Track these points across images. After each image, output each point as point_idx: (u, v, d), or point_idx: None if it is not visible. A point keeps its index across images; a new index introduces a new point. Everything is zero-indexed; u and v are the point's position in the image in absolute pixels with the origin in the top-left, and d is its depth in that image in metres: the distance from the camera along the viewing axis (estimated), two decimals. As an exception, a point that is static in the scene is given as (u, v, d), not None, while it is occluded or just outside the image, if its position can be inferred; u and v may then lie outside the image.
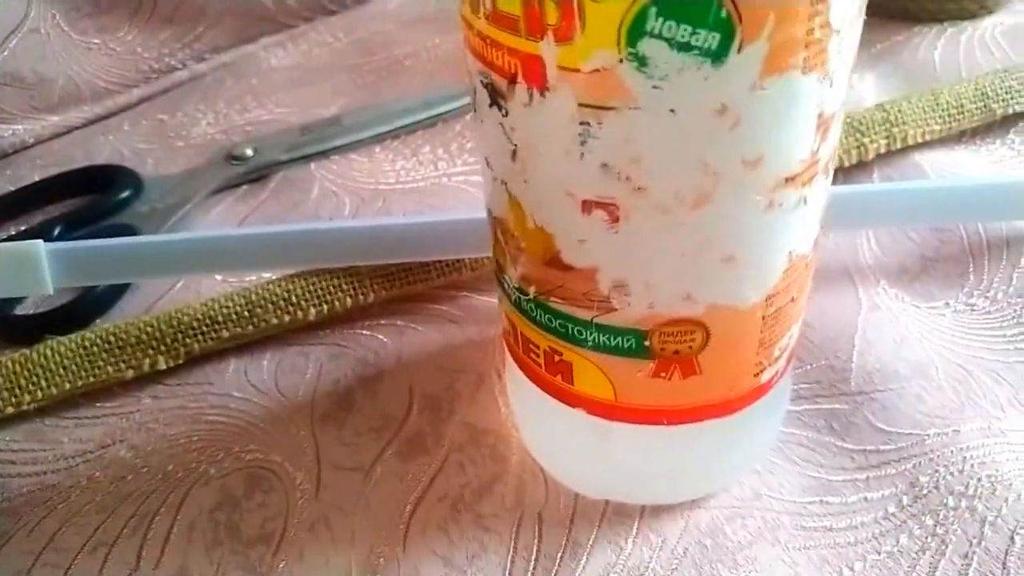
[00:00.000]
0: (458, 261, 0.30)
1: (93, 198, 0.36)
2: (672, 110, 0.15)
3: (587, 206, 0.17)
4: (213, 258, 0.29)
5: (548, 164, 0.17)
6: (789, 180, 0.17)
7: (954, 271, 0.30)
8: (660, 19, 0.14)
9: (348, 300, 0.30)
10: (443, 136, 0.38)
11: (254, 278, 0.32)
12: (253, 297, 0.30)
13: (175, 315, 0.29)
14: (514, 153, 0.18)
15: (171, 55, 0.46)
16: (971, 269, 0.30)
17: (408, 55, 0.44)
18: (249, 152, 0.37)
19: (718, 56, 0.15)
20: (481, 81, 0.18)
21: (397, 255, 0.30)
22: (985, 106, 0.34)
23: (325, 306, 0.30)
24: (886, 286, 0.29)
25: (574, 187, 0.17)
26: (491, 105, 0.18)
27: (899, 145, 0.33)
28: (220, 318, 0.29)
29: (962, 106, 0.34)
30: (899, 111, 0.33)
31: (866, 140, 0.33)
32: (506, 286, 0.21)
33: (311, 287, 0.30)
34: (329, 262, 0.30)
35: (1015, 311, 0.28)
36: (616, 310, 0.19)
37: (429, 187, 0.35)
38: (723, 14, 0.14)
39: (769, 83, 0.15)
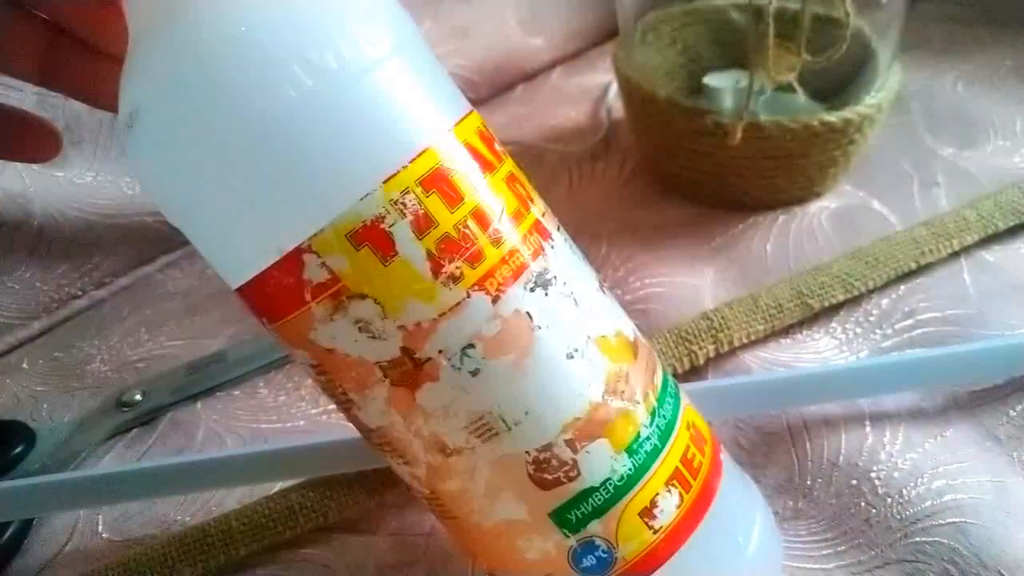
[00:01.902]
0: (324, 504, 0.32)
1: (-13, 454, 0.38)
2: None
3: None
4: (108, 491, 0.33)
5: None
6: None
7: (782, 476, 0.33)
8: None
9: (222, 557, 0.32)
10: (322, 364, 0.40)
11: (140, 535, 0.34)
12: (131, 564, 0.32)
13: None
14: None
15: (70, 284, 0.48)
16: (796, 472, 0.33)
17: (293, 275, 0.46)
18: (138, 397, 0.39)
19: None
20: None
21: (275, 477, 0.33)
22: (802, 303, 0.38)
23: (200, 564, 0.31)
24: (718, 499, 0.32)
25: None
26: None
27: (726, 348, 0.37)
28: (98, 586, 0.31)
29: (780, 306, 0.38)
30: (722, 318, 0.37)
31: (695, 347, 0.36)
32: None
33: (185, 547, 0.32)
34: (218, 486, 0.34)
35: (834, 512, 0.31)
36: None
37: (310, 426, 0.37)
38: None
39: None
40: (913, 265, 0.40)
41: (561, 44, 0.67)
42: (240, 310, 0.45)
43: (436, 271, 0.21)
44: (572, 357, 0.22)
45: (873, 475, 0.32)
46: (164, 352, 0.43)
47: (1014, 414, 0.34)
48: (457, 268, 0.21)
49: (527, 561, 0.23)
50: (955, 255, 0.41)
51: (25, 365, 0.44)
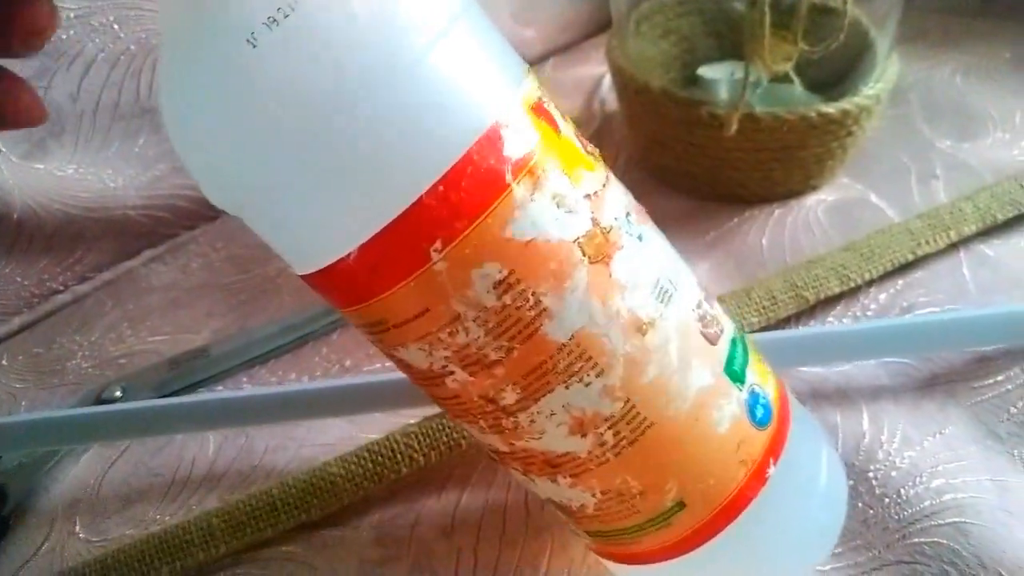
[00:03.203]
0: (306, 502, 0.32)
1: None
2: None
3: None
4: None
5: None
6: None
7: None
8: None
9: (200, 554, 0.31)
10: (308, 360, 0.40)
11: (116, 534, 0.33)
12: (108, 561, 0.31)
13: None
14: None
15: (52, 279, 0.47)
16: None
17: (280, 271, 0.45)
18: (118, 393, 0.38)
19: None
20: None
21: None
22: (797, 295, 0.37)
23: (178, 563, 0.31)
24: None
25: None
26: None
27: (722, 341, 0.36)
28: (76, 588, 0.30)
29: (774, 298, 0.37)
30: (716, 311, 0.36)
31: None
32: None
33: (163, 545, 0.31)
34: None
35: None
36: None
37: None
38: None
39: None
40: (910, 257, 0.39)
41: (554, 36, 0.66)
42: (225, 302, 0.44)
43: (584, 148, 0.22)
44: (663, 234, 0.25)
45: (870, 475, 0.31)
46: (146, 347, 0.42)
47: (1015, 411, 0.33)
48: (591, 149, 0.23)
49: (720, 438, 0.23)
50: (954, 249, 0.41)
51: (4, 361, 0.43)
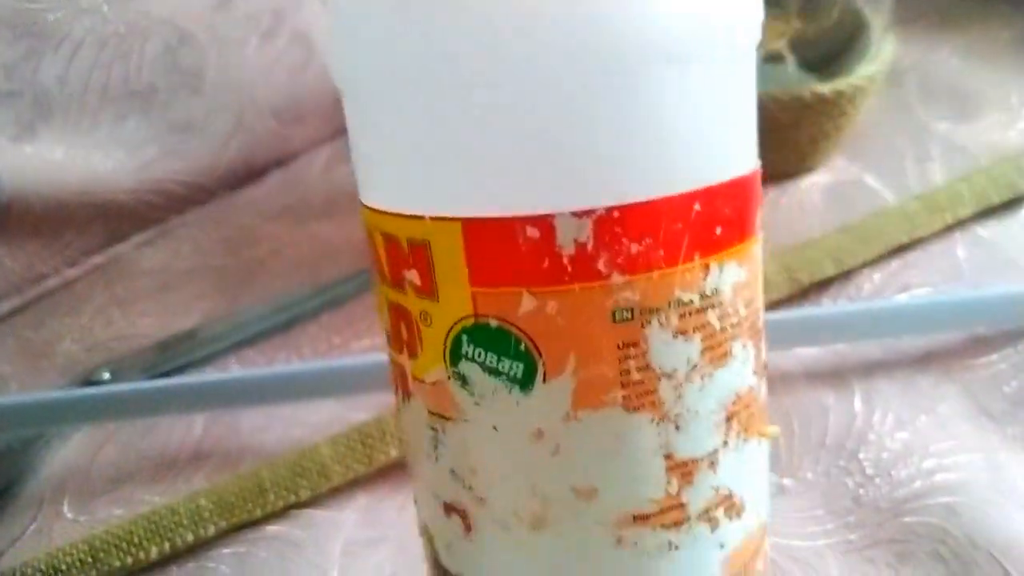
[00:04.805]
0: (295, 483, 0.31)
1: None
2: (494, 427, 0.17)
3: (446, 509, 0.18)
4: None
5: (418, 464, 0.19)
6: (639, 519, 0.17)
7: (770, 452, 0.32)
8: (471, 345, 0.16)
9: (189, 536, 0.31)
10: (296, 341, 0.40)
11: (104, 515, 0.33)
12: (96, 542, 0.31)
13: (19, 569, 0.29)
14: (407, 449, 0.20)
15: (41, 263, 0.47)
16: (783, 450, 0.32)
17: (271, 253, 0.45)
18: (106, 376, 0.38)
19: (524, 384, 0.16)
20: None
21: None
22: (790, 277, 0.37)
23: (167, 543, 0.30)
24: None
25: (434, 487, 0.19)
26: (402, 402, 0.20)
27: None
28: (64, 567, 0.30)
29: (767, 280, 0.37)
30: (709, 292, 0.36)
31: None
32: None
33: (152, 525, 0.31)
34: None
35: (822, 491, 0.30)
36: None
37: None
38: (522, 347, 0.16)
39: (584, 415, 0.16)
40: (905, 239, 0.39)
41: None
42: (214, 285, 0.44)
43: None
44: None
45: (862, 456, 0.31)
46: (136, 331, 0.42)
47: (1008, 390, 0.33)
48: None
49: None
50: (949, 230, 0.40)
51: (-6, 344, 0.43)
